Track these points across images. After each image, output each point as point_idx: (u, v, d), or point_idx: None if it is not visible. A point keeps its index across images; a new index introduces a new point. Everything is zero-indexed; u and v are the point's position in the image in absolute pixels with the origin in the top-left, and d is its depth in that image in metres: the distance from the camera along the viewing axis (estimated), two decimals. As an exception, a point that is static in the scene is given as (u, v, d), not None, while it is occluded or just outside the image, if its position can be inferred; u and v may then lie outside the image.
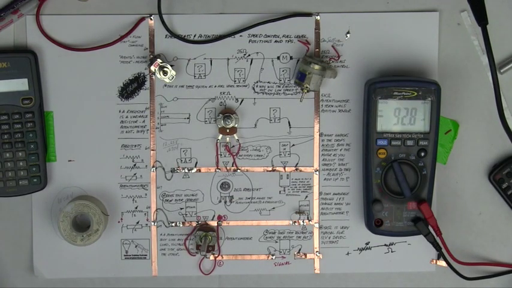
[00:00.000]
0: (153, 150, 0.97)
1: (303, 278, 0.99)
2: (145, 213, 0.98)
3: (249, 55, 0.97)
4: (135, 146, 0.97)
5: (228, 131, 0.96)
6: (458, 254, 0.97)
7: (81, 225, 0.96)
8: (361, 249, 0.99)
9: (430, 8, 0.97)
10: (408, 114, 0.92)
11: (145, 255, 0.98)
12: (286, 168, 0.98)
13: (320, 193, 0.99)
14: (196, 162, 0.98)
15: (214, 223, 0.98)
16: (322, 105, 0.98)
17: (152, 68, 0.94)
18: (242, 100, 0.97)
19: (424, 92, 0.92)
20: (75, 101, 0.96)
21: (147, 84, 0.97)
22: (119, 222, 0.98)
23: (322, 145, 0.98)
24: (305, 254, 0.99)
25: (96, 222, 0.94)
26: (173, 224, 0.98)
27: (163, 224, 0.98)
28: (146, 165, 0.98)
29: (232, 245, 0.99)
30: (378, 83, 0.92)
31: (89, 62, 0.96)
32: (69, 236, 0.94)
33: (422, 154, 0.92)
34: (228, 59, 0.97)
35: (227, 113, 0.96)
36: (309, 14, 0.97)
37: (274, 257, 0.99)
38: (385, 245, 0.99)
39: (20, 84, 0.94)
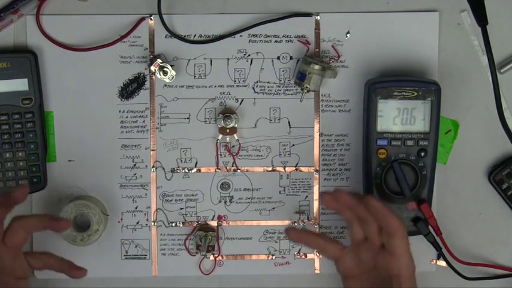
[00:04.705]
0: (153, 150, 0.97)
1: (303, 278, 0.99)
2: (145, 213, 0.98)
3: (249, 55, 0.97)
4: (135, 146, 0.97)
5: (228, 131, 0.96)
6: (458, 254, 0.97)
7: (81, 225, 0.96)
8: (361, 249, 0.99)
9: (430, 8, 0.97)
10: (408, 114, 0.92)
11: (145, 255, 0.98)
12: (286, 168, 0.98)
13: (320, 193, 0.98)
14: (196, 162, 0.98)
15: (214, 223, 0.98)
16: (322, 105, 0.98)
17: (152, 68, 0.95)
18: (242, 100, 0.97)
19: (424, 92, 0.92)
20: (75, 101, 0.96)
21: (147, 84, 0.97)
22: (119, 222, 0.98)
23: (322, 145, 0.98)
24: (305, 254, 0.99)
25: (96, 222, 0.94)
26: (173, 224, 0.98)
27: (163, 224, 0.98)
28: (146, 165, 0.98)
29: (232, 245, 0.99)
30: (378, 83, 0.92)
31: (89, 62, 0.96)
32: (69, 236, 0.94)
33: (422, 154, 0.92)
34: (228, 59, 0.97)
35: (227, 113, 0.96)
36: (309, 14, 0.97)
37: (274, 257, 0.99)
38: (385, 245, 0.99)
39: (20, 84, 0.94)
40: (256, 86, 0.97)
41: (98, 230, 0.94)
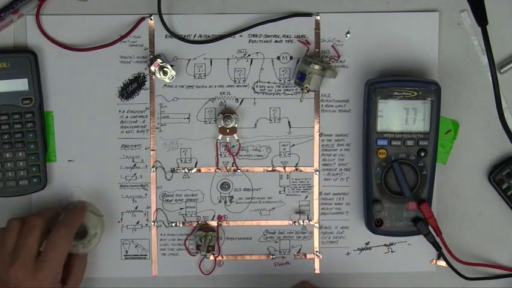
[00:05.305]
0: (153, 150, 0.97)
1: (303, 278, 0.99)
2: (145, 213, 0.98)
3: (249, 55, 0.97)
4: (135, 146, 0.97)
5: (228, 131, 0.96)
6: (458, 254, 0.97)
7: (80, 232, 0.92)
8: (361, 249, 0.99)
9: (430, 8, 0.97)
10: (408, 114, 0.92)
11: (145, 255, 0.98)
12: (286, 168, 0.98)
13: (320, 193, 0.98)
14: (196, 162, 0.98)
15: (214, 223, 0.98)
16: (322, 105, 0.98)
17: (152, 68, 0.95)
18: (242, 100, 0.97)
19: (424, 92, 0.92)
20: (75, 101, 0.96)
21: (147, 84, 0.97)
22: (119, 222, 0.98)
23: (322, 145, 0.98)
24: (305, 254, 0.99)
25: (92, 226, 0.93)
26: (173, 224, 0.98)
27: (163, 224, 0.98)
28: (146, 165, 0.98)
29: (232, 245, 0.99)
30: (378, 83, 0.92)
31: (89, 62, 0.96)
32: (71, 248, 0.92)
33: (422, 154, 0.92)
34: (228, 59, 0.97)
35: (227, 113, 0.96)
36: (309, 14, 0.97)
37: (274, 257, 0.99)
38: (385, 245, 0.99)
39: (20, 84, 0.94)
40: (256, 86, 0.97)
41: (96, 233, 0.93)
